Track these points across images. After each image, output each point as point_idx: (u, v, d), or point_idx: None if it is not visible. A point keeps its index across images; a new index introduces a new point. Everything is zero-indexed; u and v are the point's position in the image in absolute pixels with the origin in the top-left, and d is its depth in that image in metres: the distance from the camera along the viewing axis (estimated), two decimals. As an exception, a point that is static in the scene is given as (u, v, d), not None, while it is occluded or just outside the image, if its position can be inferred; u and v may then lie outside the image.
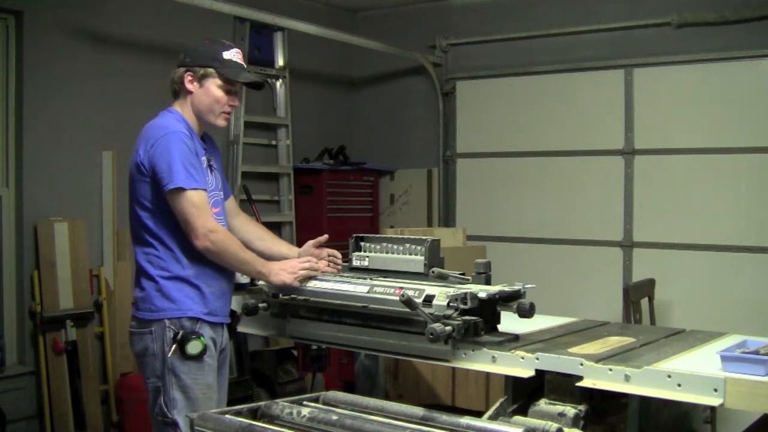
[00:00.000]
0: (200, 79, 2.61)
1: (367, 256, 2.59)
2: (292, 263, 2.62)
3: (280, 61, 5.47)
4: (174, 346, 2.49)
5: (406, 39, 5.78)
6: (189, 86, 2.62)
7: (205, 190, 2.53)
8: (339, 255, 2.82)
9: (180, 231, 2.51)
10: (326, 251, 2.82)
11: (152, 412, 2.57)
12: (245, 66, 2.72)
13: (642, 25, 4.97)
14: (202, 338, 2.51)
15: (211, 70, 2.60)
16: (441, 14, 5.85)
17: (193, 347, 2.49)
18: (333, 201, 5.65)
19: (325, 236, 2.87)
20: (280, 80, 5.49)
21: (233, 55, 2.65)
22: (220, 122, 2.66)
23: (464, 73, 5.75)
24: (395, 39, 5.69)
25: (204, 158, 2.63)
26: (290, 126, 5.52)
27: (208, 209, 2.51)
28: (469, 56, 5.74)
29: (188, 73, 2.61)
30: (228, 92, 2.64)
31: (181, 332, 2.50)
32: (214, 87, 2.61)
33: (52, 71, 4.24)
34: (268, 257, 2.76)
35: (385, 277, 2.46)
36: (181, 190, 2.45)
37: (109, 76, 4.47)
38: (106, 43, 4.47)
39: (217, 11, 4.54)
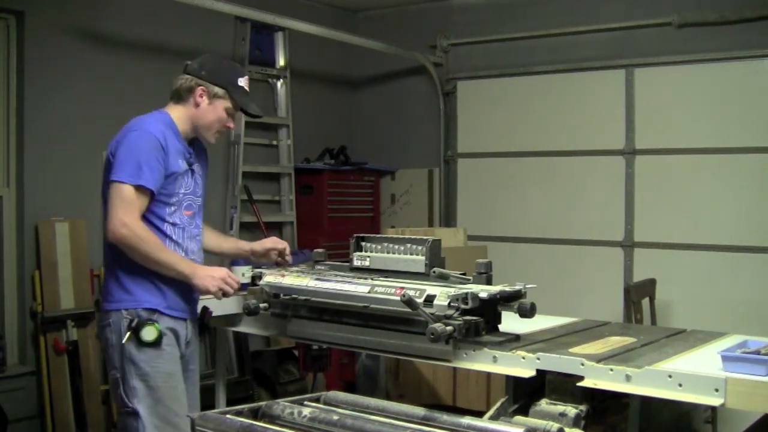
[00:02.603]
0: (212, 97, 2.68)
1: (368, 256, 2.59)
2: (221, 272, 2.63)
3: (280, 61, 5.47)
4: (129, 333, 2.52)
5: (406, 39, 5.78)
6: (198, 99, 2.68)
7: (151, 190, 2.53)
8: (287, 251, 2.92)
9: (148, 227, 2.59)
10: (269, 245, 2.92)
11: (115, 404, 2.64)
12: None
13: (642, 25, 4.97)
14: (156, 324, 2.54)
15: (224, 92, 2.70)
16: (441, 14, 5.85)
17: (148, 333, 2.52)
18: (334, 201, 5.65)
19: (285, 245, 2.94)
20: (281, 80, 5.49)
21: (245, 83, 2.79)
22: (213, 140, 2.76)
23: (465, 73, 5.75)
24: (396, 39, 5.69)
25: (183, 162, 2.66)
26: (291, 126, 5.52)
27: (135, 206, 2.51)
28: (470, 56, 5.74)
29: (201, 87, 2.67)
30: (230, 115, 2.75)
31: (136, 320, 2.53)
32: (221, 108, 2.70)
33: (53, 71, 4.24)
34: (217, 253, 3.00)
35: (386, 277, 2.46)
36: (120, 183, 2.49)
37: (109, 76, 4.47)
38: (107, 43, 4.47)
39: (218, 11, 4.54)
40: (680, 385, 1.90)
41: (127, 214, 2.49)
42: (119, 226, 2.48)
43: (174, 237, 2.65)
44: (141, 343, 2.52)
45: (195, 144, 2.78)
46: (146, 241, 2.52)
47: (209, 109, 2.68)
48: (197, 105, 2.67)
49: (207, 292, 2.61)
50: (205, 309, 2.78)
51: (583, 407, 2.03)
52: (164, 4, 4.34)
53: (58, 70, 4.26)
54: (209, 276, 2.59)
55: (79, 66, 4.35)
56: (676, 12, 4.83)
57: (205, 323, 2.82)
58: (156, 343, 2.53)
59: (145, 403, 2.53)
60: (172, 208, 2.64)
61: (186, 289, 2.65)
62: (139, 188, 2.50)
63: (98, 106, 4.42)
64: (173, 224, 2.64)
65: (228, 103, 2.71)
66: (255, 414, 2.07)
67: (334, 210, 5.63)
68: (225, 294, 2.63)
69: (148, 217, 2.58)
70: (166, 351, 2.57)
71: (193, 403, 2.73)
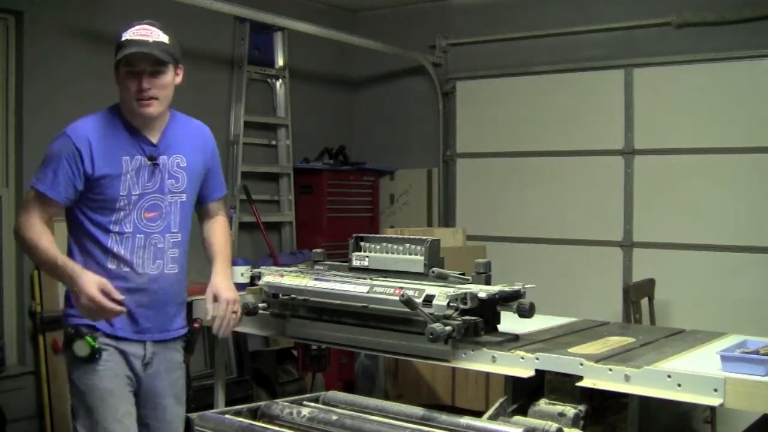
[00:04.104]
0: (116, 72, 2.39)
1: (367, 256, 2.59)
2: (92, 286, 2.21)
3: (280, 61, 5.47)
4: (63, 346, 2.36)
5: (406, 39, 5.78)
6: (117, 83, 2.41)
7: (52, 198, 2.34)
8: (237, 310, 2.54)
9: (88, 239, 2.39)
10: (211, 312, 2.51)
11: None
12: (150, 41, 2.37)
13: (642, 25, 4.97)
14: (89, 338, 2.29)
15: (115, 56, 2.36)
16: (441, 14, 5.85)
17: (79, 347, 2.30)
18: (333, 201, 5.65)
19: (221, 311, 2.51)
20: (280, 80, 5.49)
21: (133, 33, 2.37)
22: (143, 111, 2.36)
23: (464, 73, 5.75)
24: (395, 39, 5.69)
25: (132, 158, 2.38)
26: (290, 126, 5.52)
27: (33, 208, 2.34)
28: (469, 56, 5.74)
29: (115, 72, 2.40)
30: (132, 75, 2.35)
31: (72, 332, 2.33)
32: (121, 77, 2.37)
33: (52, 71, 4.24)
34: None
35: (385, 277, 2.46)
36: (31, 185, 2.37)
37: (108, 76, 4.40)
38: (106, 43, 4.45)
39: (217, 11, 4.54)
40: (679, 385, 1.90)
41: (21, 215, 2.38)
42: (16, 229, 2.39)
43: (116, 250, 2.36)
44: (75, 359, 2.32)
45: (174, 131, 2.49)
46: (35, 242, 2.33)
47: (120, 87, 2.39)
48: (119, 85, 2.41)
49: (78, 303, 2.26)
50: (192, 326, 2.54)
51: (582, 407, 2.03)
52: (163, 4, 4.33)
53: (57, 70, 4.26)
54: (88, 287, 2.22)
55: (79, 66, 4.35)
56: (675, 12, 4.83)
57: (191, 341, 2.56)
58: (90, 359, 2.30)
59: (84, 424, 2.33)
60: (120, 214, 2.37)
61: (141, 307, 2.38)
62: (36, 191, 2.35)
63: (97, 106, 4.36)
64: (119, 233, 2.37)
65: (122, 66, 2.36)
66: (254, 414, 2.07)
67: (333, 210, 5.63)
68: (103, 315, 2.24)
69: (89, 229, 2.38)
70: (102, 367, 2.32)
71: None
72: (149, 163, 2.41)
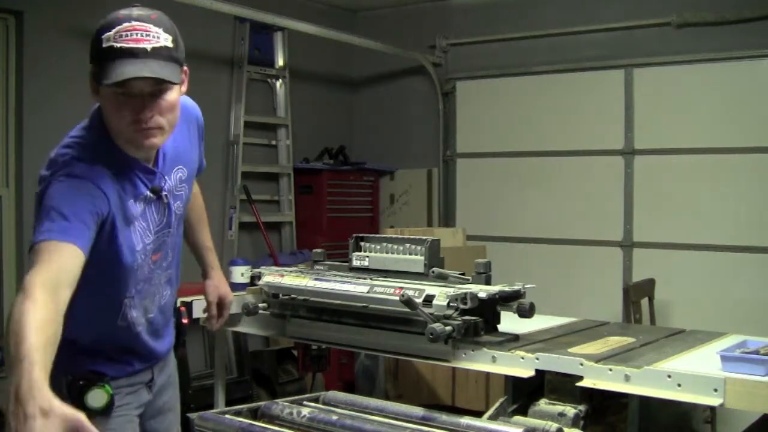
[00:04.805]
0: (94, 82, 1.74)
1: (367, 256, 2.58)
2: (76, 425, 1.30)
3: (280, 61, 5.47)
4: (68, 398, 1.73)
5: (406, 39, 5.78)
6: (95, 100, 1.79)
7: (73, 243, 1.61)
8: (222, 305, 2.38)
9: (79, 292, 1.61)
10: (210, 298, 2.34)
11: None
12: (149, 48, 1.71)
13: (642, 25, 4.97)
14: (107, 386, 1.85)
15: (93, 69, 1.73)
16: (441, 14, 5.85)
17: (94, 398, 1.83)
18: (333, 201, 5.65)
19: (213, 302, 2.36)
20: (280, 80, 5.49)
21: (120, 36, 1.72)
22: (145, 143, 1.75)
23: (464, 73, 5.75)
24: (395, 39, 5.69)
25: (146, 194, 1.84)
26: (290, 126, 5.52)
27: (42, 262, 1.56)
28: (469, 56, 5.74)
29: (91, 82, 1.76)
30: (125, 97, 1.70)
31: (83, 383, 1.84)
32: (108, 97, 1.72)
33: (52, 71, 4.24)
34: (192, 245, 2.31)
35: (385, 277, 2.46)
36: (39, 242, 1.61)
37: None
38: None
39: (217, 11, 4.54)
40: (679, 385, 1.90)
41: (28, 274, 1.60)
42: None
43: (130, 317, 1.90)
44: (87, 411, 1.69)
45: (165, 158, 1.92)
46: (21, 326, 1.43)
47: (106, 105, 1.75)
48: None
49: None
50: (181, 322, 2.24)
51: (582, 407, 2.03)
52: (163, 4, 4.31)
53: (57, 70, 4.26)
54: (32, 413, 1.27)
55: (79, 66, 4.30)
56: (675, 12, 4.83)
57: (180, 335, 2.22)
58: (107, 410, 1.85)
59: None
60: (136, 276, 1.89)
61: (153, 335, 2.01)
62: (47, 241, 1.64)
63: (97, 106, 4.42)
64: (133, 297, 1.90)
65: (106, 88, 1.68)
66: (254, 414, 2.07)
67: (333, 210, 5.63)
68: None
69: (92, 303, 1.79)
70: (116, 414, 1.90)
71: None
72: (153, 197, 1.87)
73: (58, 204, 1.64)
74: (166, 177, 1.90)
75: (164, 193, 1.89)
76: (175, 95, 1.77)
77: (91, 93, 1.76)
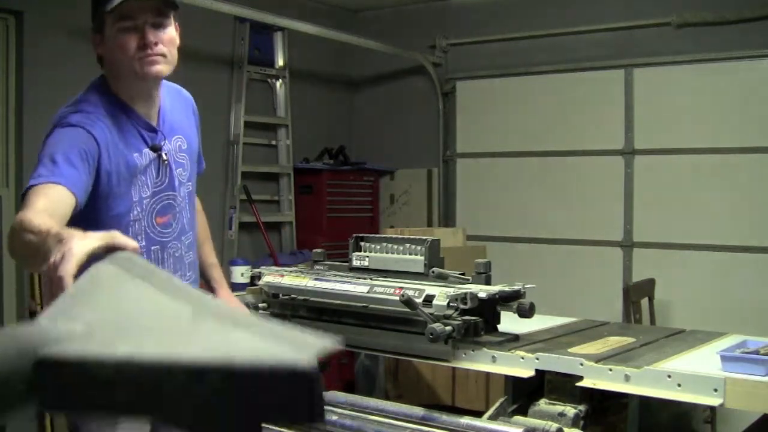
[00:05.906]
0: (101, 33, 1.92)
1: (367, 256, 2.58)
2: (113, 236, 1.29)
3: (280, 61, 5.48)
4: None
5: (406, 39, 5.78)
6: (100, 51, 1.94)
7: (61, 185, 1.70)
8: None
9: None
10: None
11: None
12: None
13: (642, 25, 4.97)
14: None
15: (101, 16, 1.89)
16: (441, 14, 5.85)
17: None
18: (333, 201, 5.65)
19: None
20: (280, 80, 5.49)
21: None
22: (150, 69, 1.88)
23: (464, 73, 5.75)
24: (395, 39, 5.69)
25: (146, 150, 1.97)
26: (290, 126, 5.53)
27: (32, 203, 1.62)
28: (469, 56, 5.74)
29: (94, 37, 1.95)
30: (129, 30, 1.86)
31: None
32: (112, 35, 1.88)
33: (52, 71, 4.23)
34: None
35: (385, 277, 2.46)
36: (30, 187, 1.70)
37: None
38: (106, 43, 4.47)
39: (217, 11, 4.54)
40: (679, 385, 1.90)
41: (21, 211, 1.66)
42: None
43: None
44: None
45: (168, 105, 2.07)
46: (14, 235, 1.55)
47: (108, 48, 1.91)
48: (103, 57, 1.96)
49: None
50: None
51: (582, 407, 2.03)
52: (163, 3, 4.35)
53: (57, 71, 4.25)
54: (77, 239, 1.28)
55: (79, 66, 4.33)
56: (675, 12, 4.83)
57: None
58: None
59: None
60: (130, 230, 1.94)
61: None
62: (39, 188, 1.73)
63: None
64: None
65: (111, 24, 1.87)
66: (254, 414, 2.06)
67: (333, 210, 5.64)
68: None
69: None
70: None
71: None
72: (154, 154, 1.99)
73: (49, 151, 1.77)
74: (166, 140, 2.03)
75: (163, 152, 2.01)
76: (174, 32, 1.93)
77: (95, 49, 1.94)
